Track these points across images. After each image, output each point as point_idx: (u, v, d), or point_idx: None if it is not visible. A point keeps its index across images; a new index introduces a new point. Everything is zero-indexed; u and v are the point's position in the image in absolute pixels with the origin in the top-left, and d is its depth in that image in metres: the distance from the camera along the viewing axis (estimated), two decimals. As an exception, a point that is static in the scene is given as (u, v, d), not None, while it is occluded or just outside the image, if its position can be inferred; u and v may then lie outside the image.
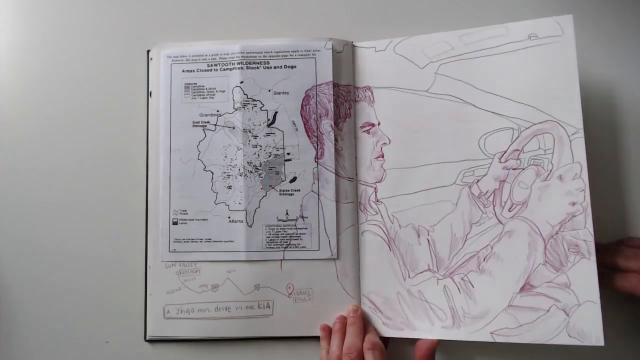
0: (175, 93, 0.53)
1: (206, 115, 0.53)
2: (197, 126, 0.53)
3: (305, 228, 0.52)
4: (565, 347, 0.47)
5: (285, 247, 0.52)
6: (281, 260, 0.52)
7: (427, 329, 0.50)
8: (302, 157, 0.52)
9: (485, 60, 0.51)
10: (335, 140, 0.52)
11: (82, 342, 0.53)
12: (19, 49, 0.57)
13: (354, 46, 0.54)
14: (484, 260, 0.49)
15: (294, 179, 0.52)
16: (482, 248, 0.49)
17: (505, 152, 0.50)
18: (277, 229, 0.52)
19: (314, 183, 0.52)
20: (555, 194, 0.48)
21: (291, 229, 0.52)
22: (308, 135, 0.53)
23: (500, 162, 0.50)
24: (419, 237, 0.51)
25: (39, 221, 0.55)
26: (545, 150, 0.49)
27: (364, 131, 0.53)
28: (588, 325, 0.45)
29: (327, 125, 0.52)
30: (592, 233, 0.47)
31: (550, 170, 0.48)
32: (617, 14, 0.55)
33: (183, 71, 0.54)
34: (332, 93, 0.52)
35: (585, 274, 0.46)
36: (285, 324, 0.51)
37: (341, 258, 0.52)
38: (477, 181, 0.50)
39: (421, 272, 0.51)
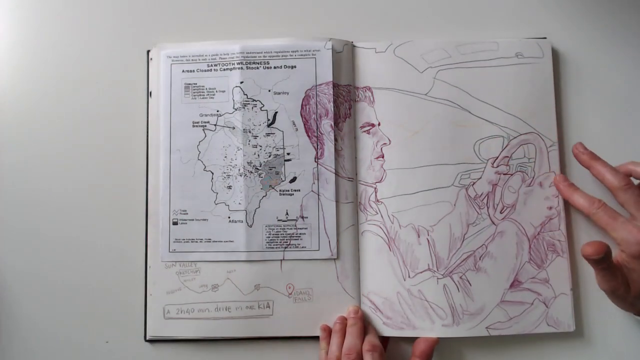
0: (175, 93, 0.53)
1: (206, 115, 0.53)
2: (197, 126, 0.53)
3: (305, 228, 0.52)
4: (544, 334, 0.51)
5: (285, 247, 0.52)
6: (281, 260, 0.52)
7: (428, 328, 0.50)
8: (302, 157, 0.52)
9: (479, 71, 0.53)
10: (335, 140, 0.52)
11: (82, 342, 0.53)
12: (19, 49, 0.57)
13: (354, 46, 0.54)
14: (480, 259, 0.51)
15: (294, 179, 0.52)
16: (478, 247, 0.51)
17: (497, 158, 0.53)
18: (277, 229, 0.52)
19: (314, 183, 0.52)
20: (537, 199, 0.52)
21: (291, 229, 0.52)
22: (308, 135, 0.53)
23: (493, 167, 0.52)
24: (419, 237, 0.52)
25: (38, 221, 0.55)
26: (529, 159, 0.53)
27: (364, 131, 0.53)
28: (562, 315, 0.50)
29: (327, 125, 0.52)
30: (565, 234, 0.52)
31: (533, 177, 0.53)
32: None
33: (183, 71, 0.54)
34: (332, 93, 0.53)
35: (560, 270, 0.51)
36: (285, 324, 0.51)
37: (341, 258, 0.52)
38: (473, 184, 0.52)
39: (421, 272, 0.51)
